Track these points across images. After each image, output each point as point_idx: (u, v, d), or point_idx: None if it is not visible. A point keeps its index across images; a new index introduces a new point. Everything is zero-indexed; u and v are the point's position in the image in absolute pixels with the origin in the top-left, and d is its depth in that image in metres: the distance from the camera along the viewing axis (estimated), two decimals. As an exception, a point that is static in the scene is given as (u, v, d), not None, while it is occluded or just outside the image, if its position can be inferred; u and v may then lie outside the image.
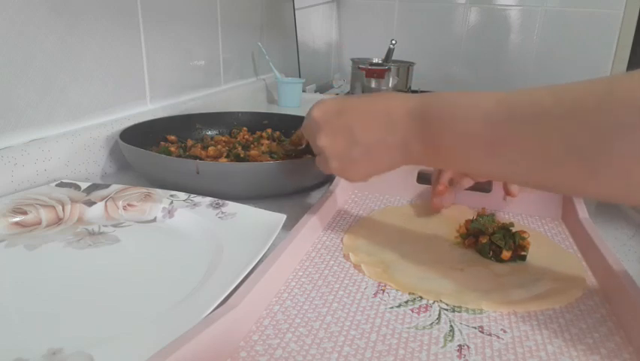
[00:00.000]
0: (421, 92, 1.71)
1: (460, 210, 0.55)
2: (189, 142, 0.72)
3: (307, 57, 1.54)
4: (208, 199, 0.52)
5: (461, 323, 0.35)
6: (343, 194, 0.58)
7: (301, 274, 0.41)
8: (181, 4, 0.86)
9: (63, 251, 0.43)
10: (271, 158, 0.64)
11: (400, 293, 0.39)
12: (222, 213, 0.49)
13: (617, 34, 1.71)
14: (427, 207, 0.56)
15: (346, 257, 0.44)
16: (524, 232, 0.45)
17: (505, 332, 0.34)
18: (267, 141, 0.74)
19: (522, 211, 0.56)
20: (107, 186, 0.55)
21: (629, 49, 1.69)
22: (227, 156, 0.65)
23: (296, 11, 1.41)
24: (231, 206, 0.51)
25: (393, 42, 1.56)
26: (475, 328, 0.35)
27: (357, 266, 0.43)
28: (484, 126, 0.34)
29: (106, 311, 0.34)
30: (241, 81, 1.16)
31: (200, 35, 0.94)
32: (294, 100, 1.22)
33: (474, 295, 0.39)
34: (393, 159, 0.42)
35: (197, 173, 0.53)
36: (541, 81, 1.78)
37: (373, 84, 1.57)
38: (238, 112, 0.83)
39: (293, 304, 0.36)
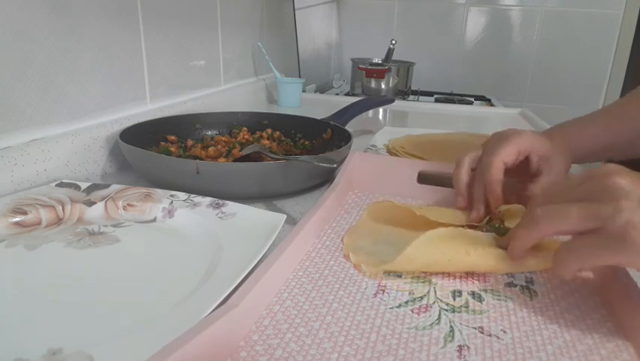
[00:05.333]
0: (421, 92, 1.73)
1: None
2: (189, 142, 0.72)
3: (307, 57, 1.54)
4: (208, 199, 0.52)
5: (461, 324, 0.35)
6: (343, 194, 0.58)
7: (301, 274, 0.41)
8: (181, 4, 0.86)
9: (63, 251, 0.43)
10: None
11: (400, 293, 0.39)
12: (222, 213, 0.49)
13: (617, 34, 1.71)
14: (428, 207, 0.56)
15: (346, 257, 0.44)
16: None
17: (505, 332, 0.34)
18: (267, 141, 0.74)
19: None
20: (107, 186, 0.55)
21: (629, 49, 1.69)
22: (226, 156, 0.65)
23: (296, 11, 1.41)
24: (231, 206, 0.51)
25: (393, 42, 1.56)
26: (475, 328, 0.35)
27: (357, 266, 0.42)
28: None
29: (106, 311, 0.34)
30: (241, 81, 1.16)
31: (200, 35, 0.94)
32: (294, 100, 1.22)
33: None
34: None
35: (197, 173, 0.53)
36: (541, 81, 1.79)
37: (373, 84, 1.57)
38: (238, 112, 0.83)
39: (293, 304, 0.36)
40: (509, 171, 0.51)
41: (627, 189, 0.32)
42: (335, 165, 0.55)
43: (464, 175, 0.52)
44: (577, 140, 0.58)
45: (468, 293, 0.39)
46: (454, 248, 0.41)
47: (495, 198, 0.49)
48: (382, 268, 0.41)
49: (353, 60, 1.63)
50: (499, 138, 0.52)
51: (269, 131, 0.79)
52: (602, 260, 0.33)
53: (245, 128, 0.79)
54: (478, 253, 0.40)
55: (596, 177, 0.35)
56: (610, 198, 0.32)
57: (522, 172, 0.53)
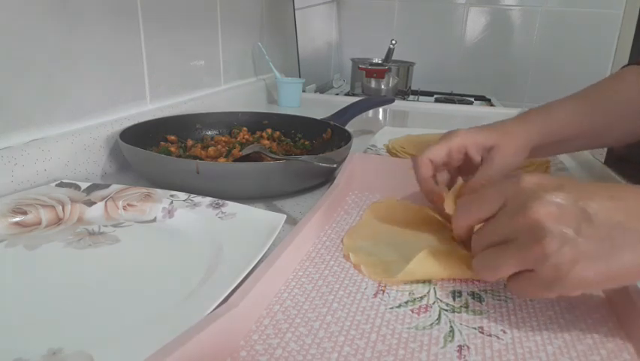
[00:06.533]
0: (421, 92, 1.73)
1: None
2: (189, 142, 0.72)
3: (307, 57, 1.54)
4: (208, 199, 0.52)
5: (461, 324, 0.35)
6: (343, 195, 0.58)
7: (301, 274, 0.41)
8: (181, 4, 0.86)
9: (63, 251, 0.43)
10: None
11: (400, 293, 0.39)
12: (222, 213, 0.49)
13: (617, 34, 1.71)
14: (428, 207, 0.56)
15: (346, 257, 0.44)
16: None
17: (505, 332, 0.34)
18: (267, 141, 0.74)
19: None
20: (107, 186, 0.55)
21: (629, 49, 1.69)
22: (226, 156, 0.65)
23: (296, 11, 1.41)
24: (231, 206, 0.51)
25: (393, 42, 1.56)
26: (475, 328, 0.35)
27: (357, 266, 0.42)
28: None
29: (106, 311, 0.34)
30: (241, 81, 1.16)
31: (200, 35, 0.94)
32: (294, 100, 1.22)
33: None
34: None
35: (197, 173, 0.53)
36: (542, 81, 1.79)
37: (373, 84, 1.57)
38: (238, 112, 0.83)
39: (293, 304, 0.36)
40: (456, 170, 0.54)
41: (548, 225, 0.32)
42: (335, 165, 0.55)
43: (428, 179, 0.52)
44: (542, 125, 0.56)
45: (468, 293, 0.39)
46: (454, 267, 0.41)
47: (429, 193, 0.51)
48: (382, 278, 0.41)
49: (353, 60, 1.63)
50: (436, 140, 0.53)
51: (269, 131, 0.79)
52: (541, 296, 0.34)
53: (245, 128, 0.79)
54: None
55: (517, 215, 0.33)
56: (534, 241, 0.32)
57: (471, 169, 0.53)
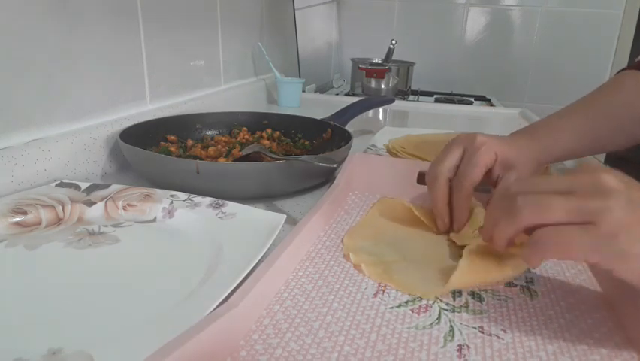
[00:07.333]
0: (421, 92, 1.73)
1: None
2: (189, 142, 0.72)
3: (307, 57, 1.54)
4: (208, 199, 0.52)
5: (461, 323, 0.35)
6: (343, 195, 0.58)
7: (301, 274, 0.41)
8: (181, 4, 0.86)
9: (63, 251, 0.43)
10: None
11: (400, 293, 0.39)
12: (222, 213, 0.49)
13: (617, 34, 1.71)
14: (428, 207, 0.56)
15: (346, 257, 0.44)
16: None
17: (505, 332, 0.34)
18: (267, 141, 0.74)
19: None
20: (107, 186, 0.55)
21: (629, 49, 1.69)
22: (226, 156, 0.65)
23: (296, 11, 1.41)
24: (231, 206, 0.51)
25: (393, 42, 1.56)
26: (475, 328, 0.35)
27: (357, 266, 0.42)
28: None
29: (106, 311, 0.34)
30: (241, 81, 1.16)
31: (200, 35, 0.94)
32: (294, 100, 1.22)
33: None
34: None
35: (197, 173, 0.53)
36: (541, 81, 1.79)
37: (373, 84, 1.57)
38: (238, 112, 0.83)
39: (293, 304, 0.36)
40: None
41: (616, 188, 0.30)
42: (335, 165, 0.55)
43: (443, 195, 0.48)
44: (549, 144, 0.56)
45: (468, 293, 0.39)
46: (492, 271, 0.40)
47: (462, 222, 0.48)
48: (381, 279, 0.41)
49: (353, 60, 1.63)
50: (469, 156, 0.48)
51: (269, 131, 0.79)
52: (584, 258, 0.30)
53: (245, 128, 0.79)
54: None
55: (581, 174, 0.32)
56: (599, 195, 0.30)
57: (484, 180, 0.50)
